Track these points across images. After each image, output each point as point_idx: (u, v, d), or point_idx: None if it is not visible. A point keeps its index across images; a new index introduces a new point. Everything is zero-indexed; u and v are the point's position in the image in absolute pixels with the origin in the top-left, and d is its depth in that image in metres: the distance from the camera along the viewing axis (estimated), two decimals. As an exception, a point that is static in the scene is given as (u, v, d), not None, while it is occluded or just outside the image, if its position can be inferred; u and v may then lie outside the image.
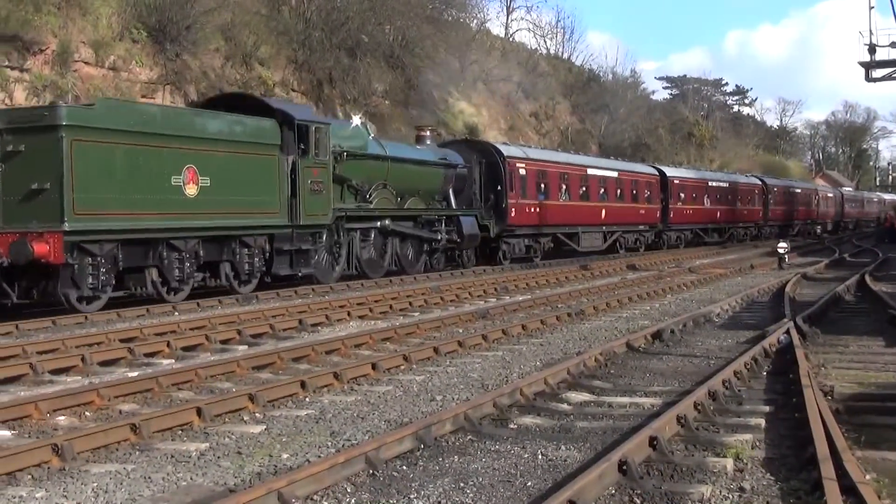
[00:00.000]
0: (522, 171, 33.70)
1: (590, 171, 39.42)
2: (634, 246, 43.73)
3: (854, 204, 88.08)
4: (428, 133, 31.99)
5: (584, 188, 38.61)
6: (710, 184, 52.69)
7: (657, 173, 47.15)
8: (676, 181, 48.27)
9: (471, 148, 33.06)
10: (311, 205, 22.80)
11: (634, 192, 43.46)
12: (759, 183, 60.40)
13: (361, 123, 27.24)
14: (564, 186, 36.91)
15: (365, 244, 25.94)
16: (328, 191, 23.53)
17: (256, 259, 21.67)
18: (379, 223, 26.38)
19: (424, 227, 28.53)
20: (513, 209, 32.64)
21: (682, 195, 48.81)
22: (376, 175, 26.52)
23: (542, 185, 35.10)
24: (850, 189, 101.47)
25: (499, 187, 32.08)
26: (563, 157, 40.00)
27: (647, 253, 42.76)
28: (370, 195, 26.14)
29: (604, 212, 39.96)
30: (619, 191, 41.62)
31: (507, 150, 33.64)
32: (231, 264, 21.12)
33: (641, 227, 44.36)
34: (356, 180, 25.39)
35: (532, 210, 34.03)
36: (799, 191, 68.50)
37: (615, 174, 41.84)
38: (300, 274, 23.13)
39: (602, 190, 40.22)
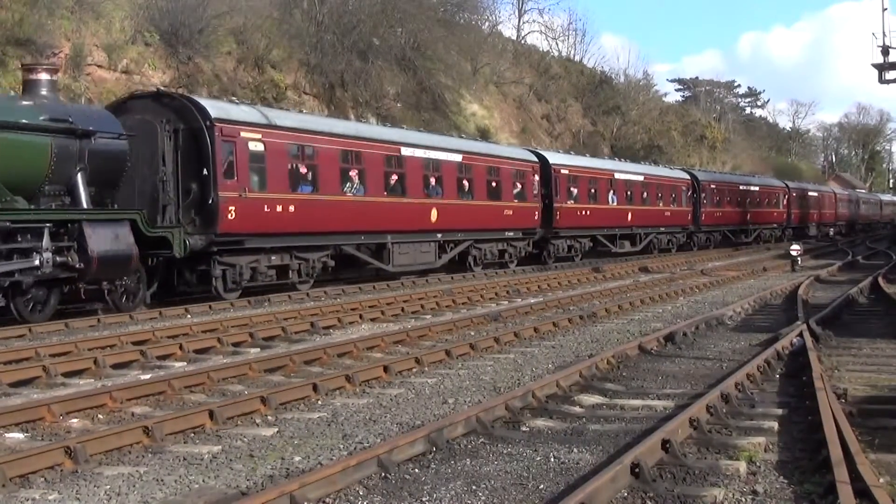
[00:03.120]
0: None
1: (440, 157, 28.57)
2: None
3: (868, 206, 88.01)
4: (44, 75, 18.26)
5: (434, 178, 28.17)
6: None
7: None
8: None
9: (158, 107, 20.93)
10: None
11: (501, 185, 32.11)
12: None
13: None
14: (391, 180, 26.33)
15: None
16: None
17: None
18: None
19: None
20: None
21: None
22: None
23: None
24: (864, 191, 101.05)
25: (205, 171, 20.16)
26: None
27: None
28: None
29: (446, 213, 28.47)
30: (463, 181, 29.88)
31: (224, 112, 21.01)
32: None
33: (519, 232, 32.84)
34: None
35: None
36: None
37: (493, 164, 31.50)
38: None
39: (432, 179, 28.36)
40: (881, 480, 6.46)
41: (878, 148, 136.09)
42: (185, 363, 12.67)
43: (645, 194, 42.09)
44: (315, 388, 10.25)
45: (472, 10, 54.75)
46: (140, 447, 7.98)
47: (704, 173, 52.11)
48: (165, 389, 10.36)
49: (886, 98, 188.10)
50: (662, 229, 44.53)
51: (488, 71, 56.94)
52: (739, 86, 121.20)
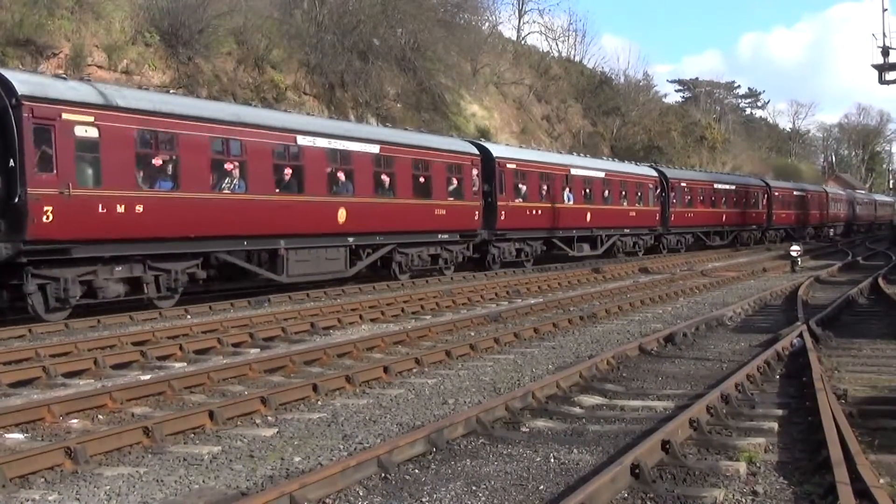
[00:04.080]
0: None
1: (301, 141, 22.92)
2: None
3: (864, 206, 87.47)
4: None
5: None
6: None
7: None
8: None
9: None
10: None
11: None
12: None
13: None
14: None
15: None
16: None
17: None
18: None
19: None
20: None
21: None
22: None
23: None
24: (863, 192, 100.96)
25: (11, 163, 16.20)
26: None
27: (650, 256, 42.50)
28: None
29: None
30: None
31: (38, 88, 16.76)
32: None
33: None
34: None
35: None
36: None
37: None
38: None
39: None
40: (881, 481, 6.46)
41: (877, 149, 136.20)
42: (185, 364, 12.68)
43: (606, 192, 38.67)
44: (315, 388, 10.26)
45: (473, 11, 54.77)
46: (140, 448, 7.99)
47: (674, 170, 48.78)
48: (165, 390, 10.37)
49: (886, 99, 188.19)
50: (627, 231, 40.88)
51: (488, 71, 56.94)
52: (739, 86, 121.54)
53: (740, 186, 54.41)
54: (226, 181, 20.34)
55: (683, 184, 46.59)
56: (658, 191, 43.88)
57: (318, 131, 23.31)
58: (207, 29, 33.01)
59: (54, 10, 27.90)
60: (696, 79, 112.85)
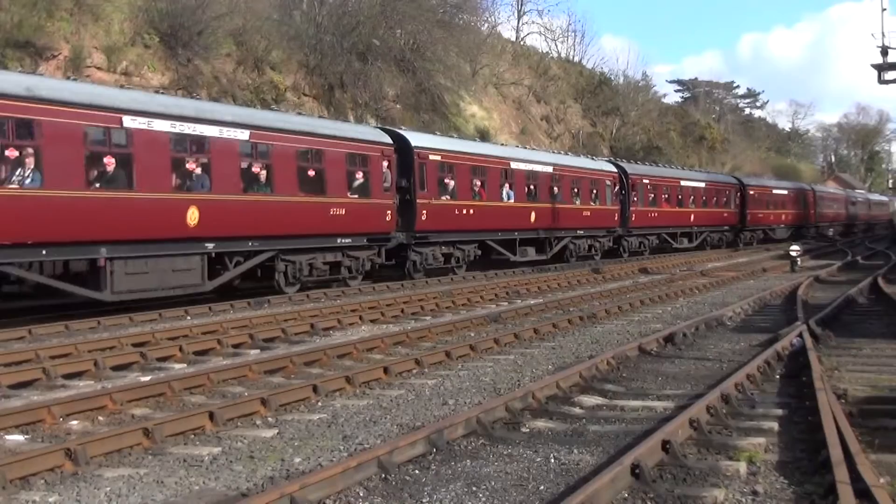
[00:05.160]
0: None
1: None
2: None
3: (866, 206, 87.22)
4: None
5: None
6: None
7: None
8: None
9: None
10: None
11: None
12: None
13: None
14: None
15: None
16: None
17: None
18: None
19: None
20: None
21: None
22: None
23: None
24: (862, 191, 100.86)
25: None
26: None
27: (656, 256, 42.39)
28: None
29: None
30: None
31: None
32: None
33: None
34: None
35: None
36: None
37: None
38: None
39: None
40: (881, 480, 6.47)
41: (877, 148, 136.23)
42: (185, 365, 12.68)
43: (556, 189, 34.31)
44: (315, 389, 10.26)
45: (472, 12, 54.70)
46: (140, 449, 7.99)
47: (635, 166, 44.75)
48: (165, 391, 10.37)
49: (886, 98, 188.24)
50: (581, 232, 36.33)
51: (487, 72, 56.93)
52: (738, 86, 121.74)
53: (711, 184, 50.50)
54: (19, 174, 16.13)
55: (646, 180, 42.54)
56: (617, 188, 39.86)
57: (156, 111, 18.67)
58: (206, 30, 32.98)
59: (53, 12, 27.88)
60: (696, 79, 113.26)
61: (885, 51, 28.87)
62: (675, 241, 45.73)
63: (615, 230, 39.66)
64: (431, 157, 27.44)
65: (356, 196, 24.15)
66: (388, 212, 25.33)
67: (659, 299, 21.50)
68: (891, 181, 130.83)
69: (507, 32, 68.77)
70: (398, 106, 44.14)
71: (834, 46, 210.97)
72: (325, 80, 39.71)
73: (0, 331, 15.27)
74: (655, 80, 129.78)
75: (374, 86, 41.55)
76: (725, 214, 51.68)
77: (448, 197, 28.19)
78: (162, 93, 23.17)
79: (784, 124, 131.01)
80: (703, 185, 48.81)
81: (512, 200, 31.50)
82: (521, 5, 70.82)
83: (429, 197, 27.08)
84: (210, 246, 19.74)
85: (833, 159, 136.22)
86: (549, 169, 34.33)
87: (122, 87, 20.85)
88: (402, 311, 18.93)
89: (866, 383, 10.44)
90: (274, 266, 21.87)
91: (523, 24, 71.44)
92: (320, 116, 29.95)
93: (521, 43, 69.62)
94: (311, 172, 22.83)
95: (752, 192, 54.59)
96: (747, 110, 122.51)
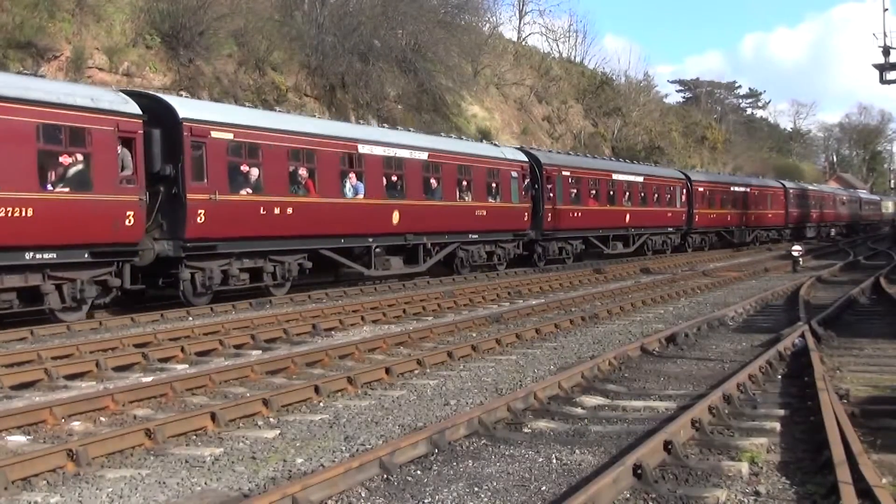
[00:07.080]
0: None
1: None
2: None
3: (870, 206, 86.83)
4: None
5: None
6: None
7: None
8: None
9: None
10: None
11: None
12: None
13: None
14: None
15: None
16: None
17: None
18: None
19: None
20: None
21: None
22: None
23: None
24: (866, 192, 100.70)
25: None
26: None
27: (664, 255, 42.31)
28: None
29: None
30: None
31: None
32: None
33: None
34: None
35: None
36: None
37: None
38: None
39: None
40: (883, 481, 6.46)
41: (879, 148, 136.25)
42: (187, 365, 12.68)
43: (433, 182, 28.13)
44: (317, 389, 10.25)
45: (473, 12, 54.69)
46: (142, 450, 7.99)
47: (552, 155, 38.02)
48: (167, 392, 10.37)
49: (887, 98, 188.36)
50: (474, 236, 29.87)
51: (489, 73, 56.93)
52: (740, 87, 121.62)
53: (651, 178, 43.52)
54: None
55: (566, 172, 35.28)
56: (527, 181, 32.93)
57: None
58: (208, 31, 32.98)
59: (55, 13, 27.88)
60: (697, 79, 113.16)
61: (886, 51, 28.86)
62: (606, 246, 38.91)
63: (525, 233, 32.74)
64: (214, 133, 20.10)
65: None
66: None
67: (661, 299, 21.50)
68: (893, 181, 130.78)
69: (509, 33, 68.87)
70: (399, 106, 44.13)
71: (836, 46, 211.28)
72: (326, 80, 39.71)
73: (2, 332, 15.29)
74: (657, 80, 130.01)
75: (376, 86, 41.54)
76: (670, 214, 44.87)
77: (249, 191, 20.96)
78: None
79: (786, 124, 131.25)
80: (640, 179, 42.07)
81: (361, 196, 24.77)
82: (523, 5, 70.88)
83: (210, 191, 19.72)
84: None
85: (835, 159, 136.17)
86: (423, 156, 27.61)
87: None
88: (404, 311, 18.93)
89: (868, 383, 10.43)
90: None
91: (525, 24, 71.51)
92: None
93: (523, 43, 69.62)
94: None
95: (699, 189, 47.86)
96: (749, 110, 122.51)
